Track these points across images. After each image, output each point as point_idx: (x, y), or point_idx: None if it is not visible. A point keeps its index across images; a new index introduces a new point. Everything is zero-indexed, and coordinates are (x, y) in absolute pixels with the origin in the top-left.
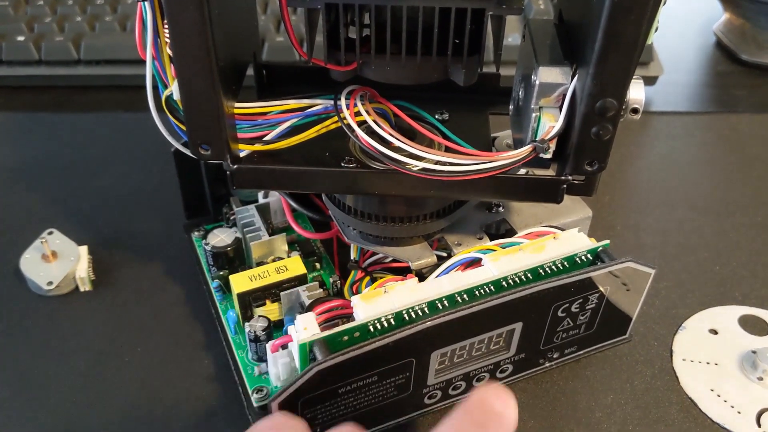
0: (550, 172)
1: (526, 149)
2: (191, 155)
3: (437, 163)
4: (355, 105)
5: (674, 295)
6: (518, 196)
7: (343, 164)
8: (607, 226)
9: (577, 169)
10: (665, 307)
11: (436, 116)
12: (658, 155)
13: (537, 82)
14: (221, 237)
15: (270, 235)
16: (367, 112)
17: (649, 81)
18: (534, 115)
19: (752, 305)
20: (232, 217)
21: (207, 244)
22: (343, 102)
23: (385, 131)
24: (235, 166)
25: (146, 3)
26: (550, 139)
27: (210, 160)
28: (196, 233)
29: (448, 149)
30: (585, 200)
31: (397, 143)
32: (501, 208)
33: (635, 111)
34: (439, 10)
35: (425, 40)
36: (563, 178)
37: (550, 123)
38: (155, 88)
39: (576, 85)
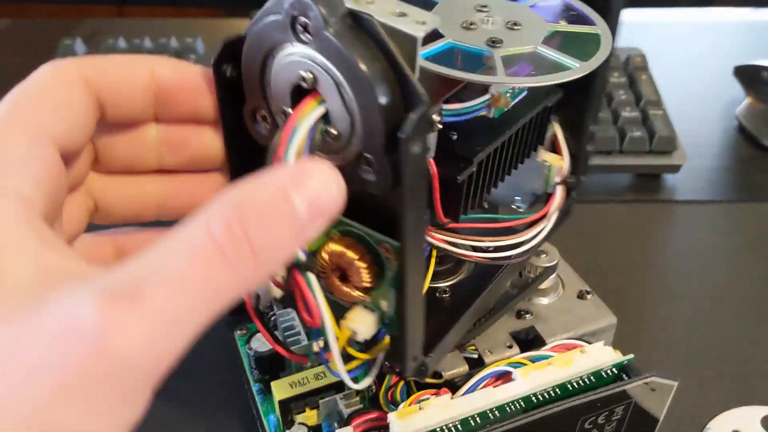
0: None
1: (560, 191)
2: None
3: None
4: None
5: (698, 393)
6: (555, 229)
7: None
8: (631, 320)
9: (577, 184)
10: (690, 406)
11: None
12: (681, 246)
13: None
14: (263, 341)
15: (309, 339)
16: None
17: (673, 169)
18: (545, 165)
19: None
20: (272, 318)
21: (250, 349)
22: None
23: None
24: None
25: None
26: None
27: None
28: (238, 332)
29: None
30: (609, 306)
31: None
32: (529, 315)
33: None
34: None
35: None
36: (574, 196)
37: (558, 164)
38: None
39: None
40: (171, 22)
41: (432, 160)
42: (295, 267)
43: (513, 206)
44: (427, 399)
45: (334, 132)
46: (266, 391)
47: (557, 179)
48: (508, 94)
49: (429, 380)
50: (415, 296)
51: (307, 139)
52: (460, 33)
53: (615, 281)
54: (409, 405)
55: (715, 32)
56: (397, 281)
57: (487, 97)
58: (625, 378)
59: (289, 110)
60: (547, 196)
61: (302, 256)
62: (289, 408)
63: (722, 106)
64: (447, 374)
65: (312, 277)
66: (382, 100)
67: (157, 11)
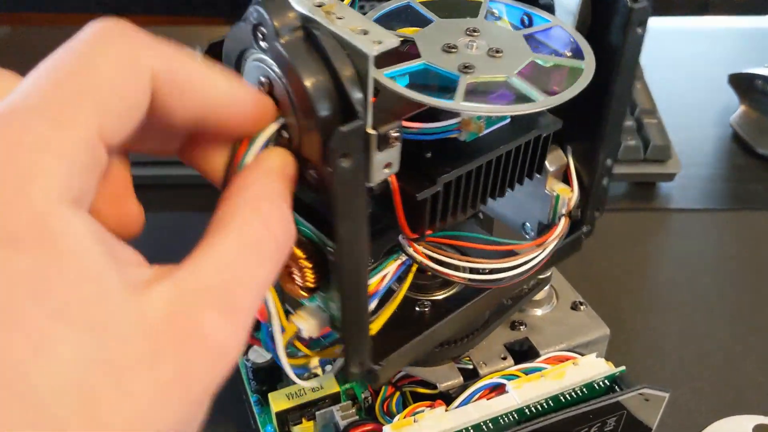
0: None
1: (563, 223)
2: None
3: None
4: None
5: (691, 402)
6: (560, 260)
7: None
8: (624, 329)
9: (590, 218)
10: (683, 415)
11: None
12: (675, 254)
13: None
14: (260, 352)
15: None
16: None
17: (668, 177)
18: (553, 195)
19: (767, 414)
20: (270, 329)
21: (248, 360)
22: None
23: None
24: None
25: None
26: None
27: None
28: None
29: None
30: (602, 318)
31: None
32: (523, 327)
33: None
34: None
35: None
36: (585, 230)
37: (566, 195)
38: None
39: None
40: (171, 30)
41: (394, 176)
42: None
43: (522, 232)
44: (422, 411)
45: (286, 136)
46: (263, 403)
47: (563, 211)
48: (481, 120)
49: (424, 391)
50: (355, 301)
51: (262, 145)
52: (437, 55)
53: (609, 290)
54: (404, 417)
55: (709, 40)
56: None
57: (456, 120)
58: (617, 389)
59: None
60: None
61: None
62: (286, 419)
63: (716, 114)
64: (442, 386)
65: None
66: (322, 112)
67: (157, 20)
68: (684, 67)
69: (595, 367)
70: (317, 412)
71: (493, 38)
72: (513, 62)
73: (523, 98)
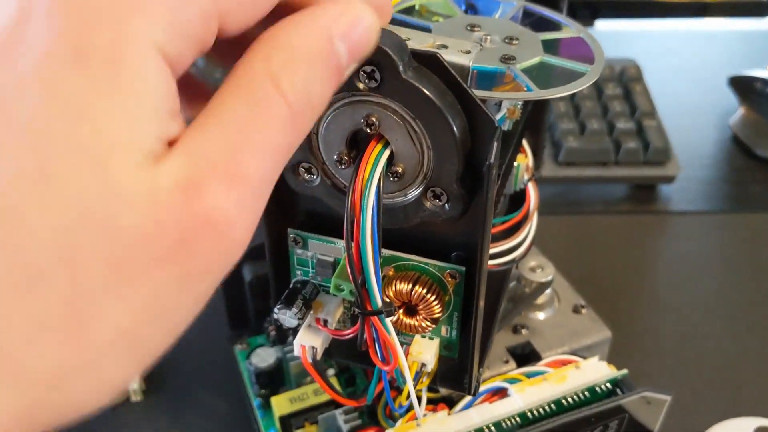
0: None
1: (533, 188)
2: None
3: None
4: None
5: (691, 404)
6: None
7: None
8: (625, 331)
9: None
10: (684, 417)
11: None
12: (675, 257)
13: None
14: (263, 356)
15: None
16: None
17: (668, 180)
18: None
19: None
20: (272, 333)
21: (250, 364)
22: None
23: None
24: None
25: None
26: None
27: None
28: (239, 346)
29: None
30: (604, 320)
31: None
32: (525, 330)
33: None
34: None
35: None
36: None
37: (524, 162)
38: None
39: None
40: None
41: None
42: (369, 314)
43: None
44: (425, 415)
45: (400, 170)
46: (266, 406)
47: (526, 177)
48: (519, 105)
49: (427, 395)
50: (481, 316)
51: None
52: (467, 56)
53: (610, 293)
54: (407, 421)
55: (709, 42)
56: (463, 305)
57: (504, 111)
58: (619, 393)
59: (345, 157)
60: (518, 196)
61: (379, 302)
62: (289, 423)
63: (716, 116)
64: (444, 389)
65: (388, 321)
66: (456, 131)
67: None
68: (684, 69)
69: (597, 371)
70: (320, 416)
71: (496, 28)
72: (532, 44)
73: (566, 73)
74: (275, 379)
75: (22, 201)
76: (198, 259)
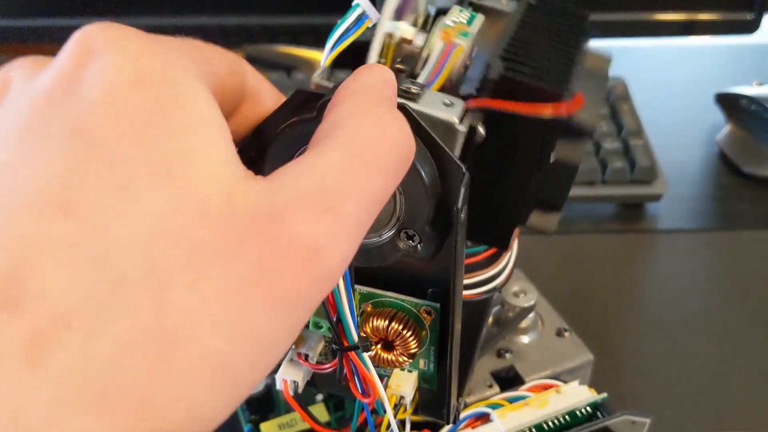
0: None
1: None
2: None
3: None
4: None
5: (677, 422)
6: None
7: None
8: (611, 351)
9: None
10: None
11: None
12: (662, 276)
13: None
14: None
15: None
16: None
17: (654, 198)
18: None
19: None
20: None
21: None
22: None
23: None
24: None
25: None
26: None
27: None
28: None
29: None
30: (591, 339)
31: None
32: (509, 354)
33: None
34: None
35: None
36: None
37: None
38: None
39: None
40: None
41: None
42: (346, 350)
43: None
44: None
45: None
46: None
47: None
48: None
49: (413, 417)
50: (456, 350)
51: None
52: None
53: (599, 311)
54: None
55: (695, 59)
56: (439, 340)
57: None
58: (600, 416)
59: None
60: None
61: (355, 338)
62: None
63: (703, 133)
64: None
65: (365, 355)
66: (426, 178)
67: None
68: (670, 86)
69: (577, 395)
70: None
71: None
72: None
73: None
74: (265, 405)
75: (106, 214)
76: (284, 285)
